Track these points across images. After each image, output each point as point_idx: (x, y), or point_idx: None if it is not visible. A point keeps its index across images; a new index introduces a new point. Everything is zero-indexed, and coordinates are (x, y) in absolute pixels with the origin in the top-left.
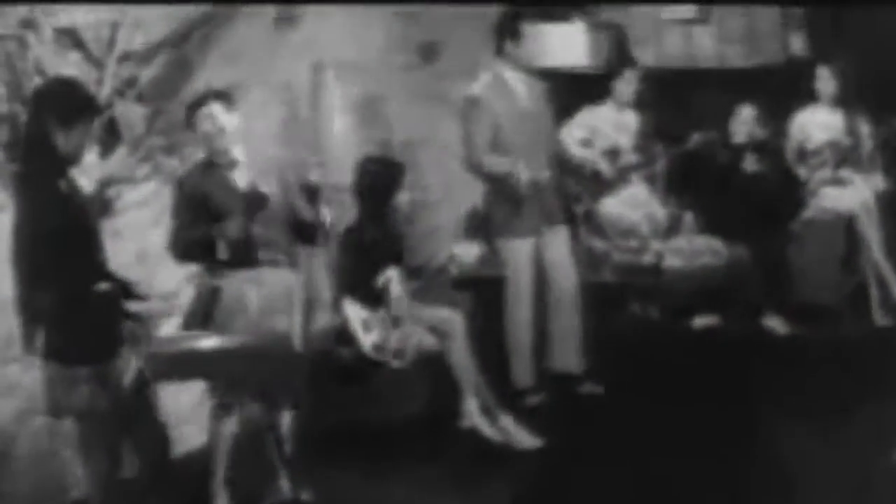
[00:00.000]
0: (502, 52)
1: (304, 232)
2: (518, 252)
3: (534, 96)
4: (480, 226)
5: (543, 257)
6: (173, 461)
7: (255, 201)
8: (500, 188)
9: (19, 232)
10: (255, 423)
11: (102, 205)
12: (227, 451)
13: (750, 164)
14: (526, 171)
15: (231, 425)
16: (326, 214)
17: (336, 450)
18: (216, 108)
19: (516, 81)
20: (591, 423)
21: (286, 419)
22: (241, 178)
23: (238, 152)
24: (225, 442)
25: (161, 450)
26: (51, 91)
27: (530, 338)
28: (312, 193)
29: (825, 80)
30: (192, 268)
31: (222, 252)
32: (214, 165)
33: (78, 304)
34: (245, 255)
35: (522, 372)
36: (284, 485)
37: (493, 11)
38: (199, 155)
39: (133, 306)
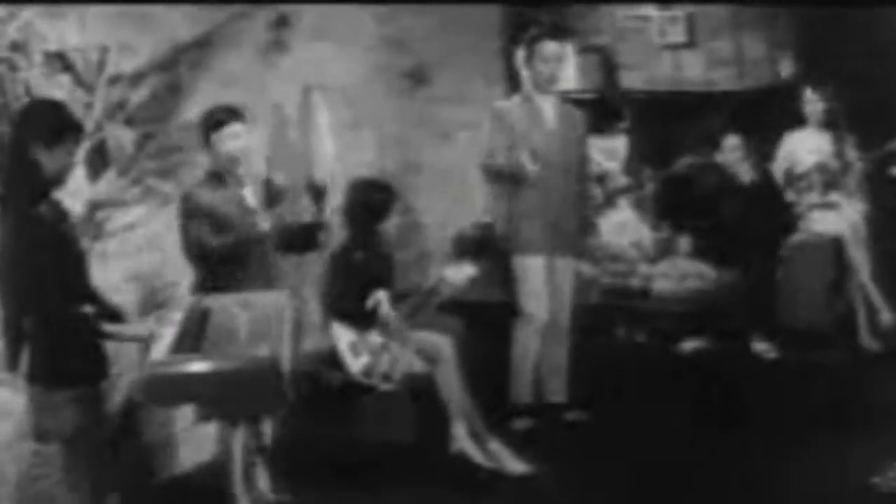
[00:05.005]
0: (522, 76)
1: (302, 237)
2: (531, 268)
3: (565, 121)
4: (483, 245)
5: (549, 282)
6: (167, 483)
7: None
8: (509, 182)
9: (2, 254)
10: (245, 445)
11: (92, 227)
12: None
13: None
14: (530, 160)
15: (240, 437)
16: (329, 213)
17: (323, 473)
18: (238, 128)
19: (544, 103)
20: (579, 449)
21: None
22: (249, 196)
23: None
24: (237, 452)
25: (146, 476)
26: (34, 111)
27: (537, 354)
28: (318, 193)
29: (812, 104)
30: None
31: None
32: (224, 181)
33: (62, 327)
34: (233, 276)
35: (522, 389)
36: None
37: (484, 37)
38: (197, 172)
39: (109, 327)
